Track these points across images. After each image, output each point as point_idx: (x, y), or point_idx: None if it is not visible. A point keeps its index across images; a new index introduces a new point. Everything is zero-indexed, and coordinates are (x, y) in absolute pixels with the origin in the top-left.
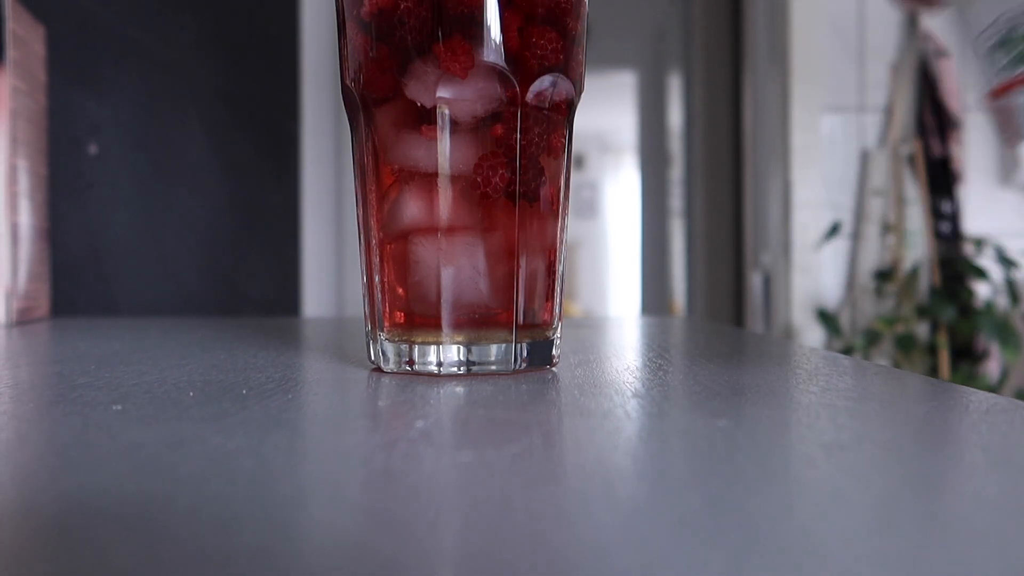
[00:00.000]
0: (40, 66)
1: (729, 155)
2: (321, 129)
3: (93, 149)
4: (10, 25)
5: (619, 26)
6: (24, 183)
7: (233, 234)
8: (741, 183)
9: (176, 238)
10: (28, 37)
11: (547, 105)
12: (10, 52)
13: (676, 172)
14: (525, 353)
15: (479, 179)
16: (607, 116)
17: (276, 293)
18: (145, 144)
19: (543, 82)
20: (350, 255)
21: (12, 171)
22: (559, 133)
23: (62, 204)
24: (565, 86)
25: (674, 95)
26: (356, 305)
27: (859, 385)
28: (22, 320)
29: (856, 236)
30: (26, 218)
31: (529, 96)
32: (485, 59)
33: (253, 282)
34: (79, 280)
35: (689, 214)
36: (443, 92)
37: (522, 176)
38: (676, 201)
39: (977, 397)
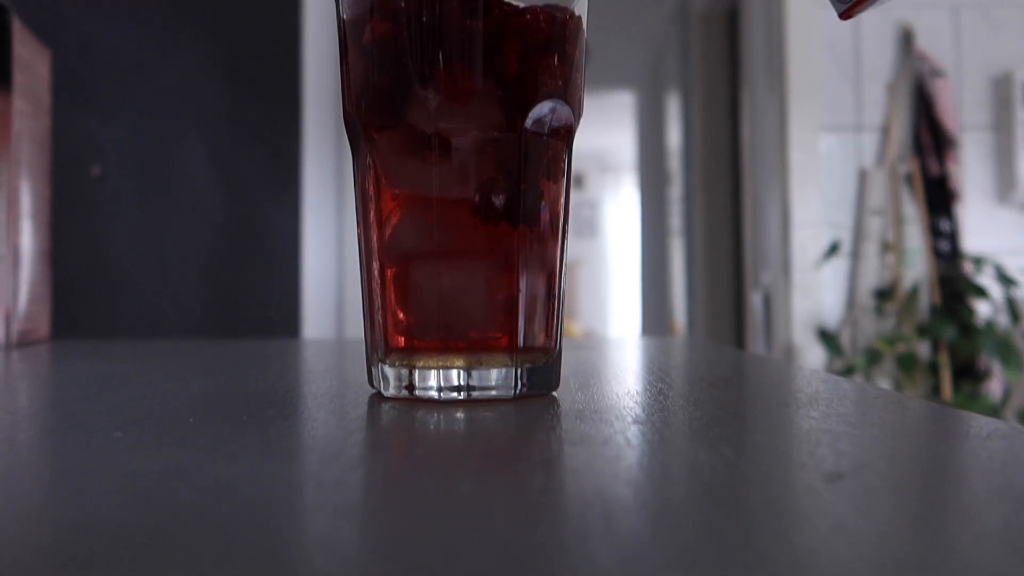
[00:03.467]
0: (45, 89)
1: (728, 174)
2: (322, 150)
3: (96, 170)
4: (17, 49)
5: (618, 47)
6: (27, 204)
7: (234, 254)
8: (740, 202)
9: (177, 258)
10: (34, 60)
11: (547, 131)
12: (16, 76)
13: (675, 191)
14: (525, 378)
15: (479, 204)
16: (606, 135)
17: (276, 313)
18: (148, 165)
19: (543, 108)
20: (350, 276)
21: (15, 193)
22: (559, 158)
23: (64, 225)
24: (564, 111)
25: (673, 115)
26: (356, 326)
27: (860, 410)
28: (22, 342)
29: (855, 255)
30: (28, 240)
31: (529, 122)
32: (485, 86)
33: (254, 302)
34: (80, 300)
35: (689, 233)
36: (443, 118)
37: (522, 201)
38: (676, 220)
39: (978, 423)
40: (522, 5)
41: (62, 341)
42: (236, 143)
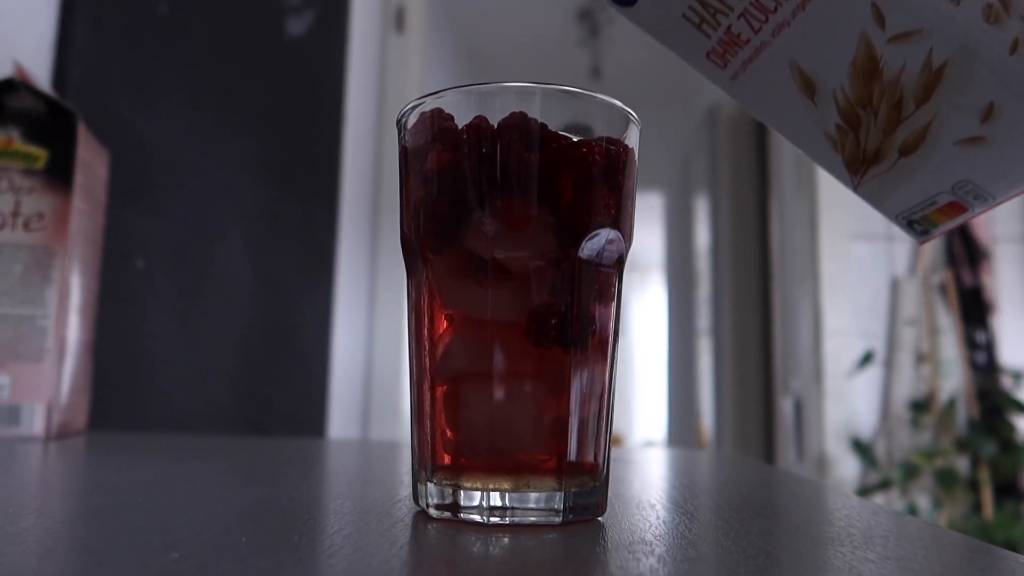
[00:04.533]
0: (102, 188)
1: (756, 277)
2: (357, 248)
3: (140, 264)
4: (80, 152)
5: (648, 150)
6: (76, 299)
7: (266, 348)
8: (769, 305)
9: (210, 350)
10: (94, 162)
11: (599, 258)
12: (78, 176)
13: (703, 291)
14: (572, 502)
15: (532, 328)
16: (635, 235)
17: (303, 407)
18: (189, 258)
19: (596, 237)
20: (378, 373)
21: (66, 288)
22: (610, 283)
23: (105, 317)
24: (617, 240)
25: (701, 217)
26: (381, 426)
27: (918, 553)
28: (60, 434)
29: (889, 364)
30: (74, 333)
31: (582, 251)
32: (540, 215)
33: (282, 395)
34: (115, 392)
35: (717, 333)
36: (500, 245)
37: (573, 325)
38: (703, 320)
39: None
40: (577, 138)
41: (97, 433)
42: (274, 239)
